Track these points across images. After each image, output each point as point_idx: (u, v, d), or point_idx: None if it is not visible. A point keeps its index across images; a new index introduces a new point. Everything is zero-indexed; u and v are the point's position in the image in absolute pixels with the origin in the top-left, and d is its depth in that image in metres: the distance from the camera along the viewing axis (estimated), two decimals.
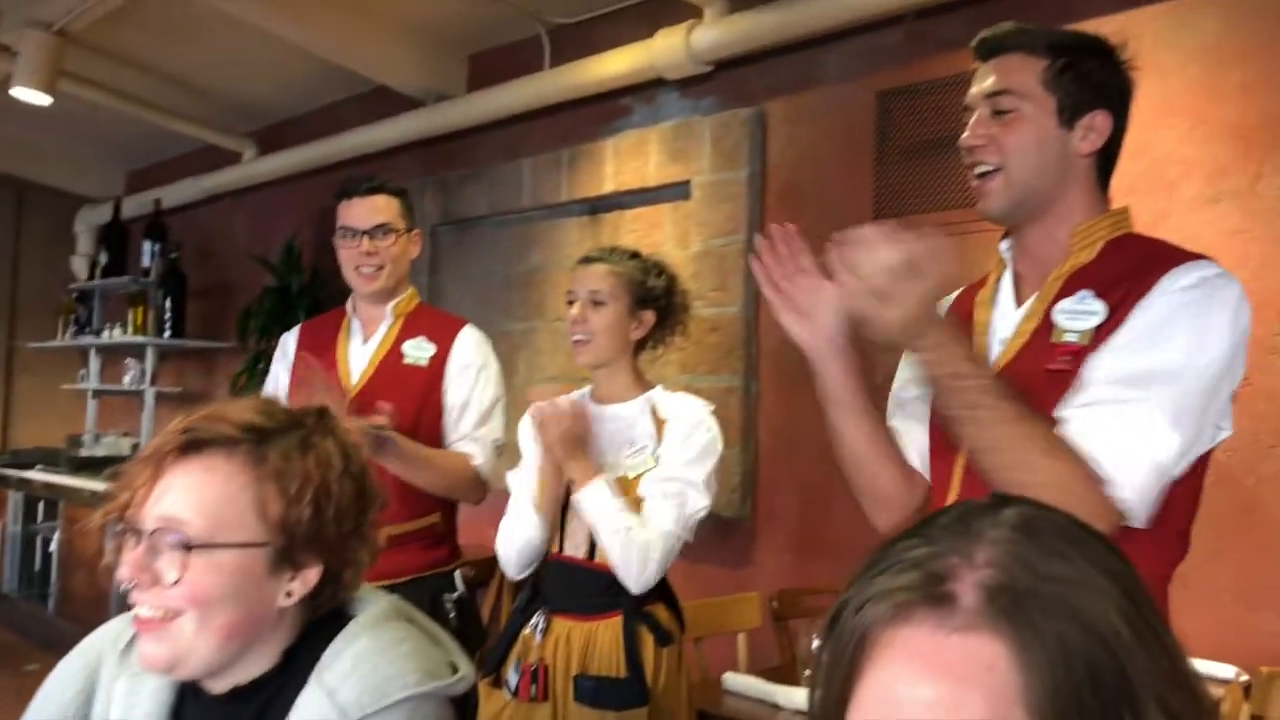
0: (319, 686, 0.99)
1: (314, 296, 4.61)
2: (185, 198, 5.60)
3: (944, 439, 1.32)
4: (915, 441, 1.43)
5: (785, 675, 2.04)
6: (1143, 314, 1.16)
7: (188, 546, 0.95)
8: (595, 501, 1.77)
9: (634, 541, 1.77)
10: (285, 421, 1.03)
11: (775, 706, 1.91)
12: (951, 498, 1.30)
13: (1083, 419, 1.13)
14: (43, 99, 4.16)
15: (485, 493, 2.21)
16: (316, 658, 1.02)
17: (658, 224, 3.57)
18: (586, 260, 1.96)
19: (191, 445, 0.98)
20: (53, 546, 5.09)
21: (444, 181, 4.33)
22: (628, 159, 3.64)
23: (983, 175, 1.29)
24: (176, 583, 0.95)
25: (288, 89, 4.87)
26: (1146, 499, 1.12)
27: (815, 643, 1.91)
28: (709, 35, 3.25)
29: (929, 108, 2.90)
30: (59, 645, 4.46)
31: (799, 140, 3.22)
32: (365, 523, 1.06)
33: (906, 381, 1.48)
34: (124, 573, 0.96)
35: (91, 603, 4.69)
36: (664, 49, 3.35)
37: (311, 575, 1.01)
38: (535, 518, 1.88)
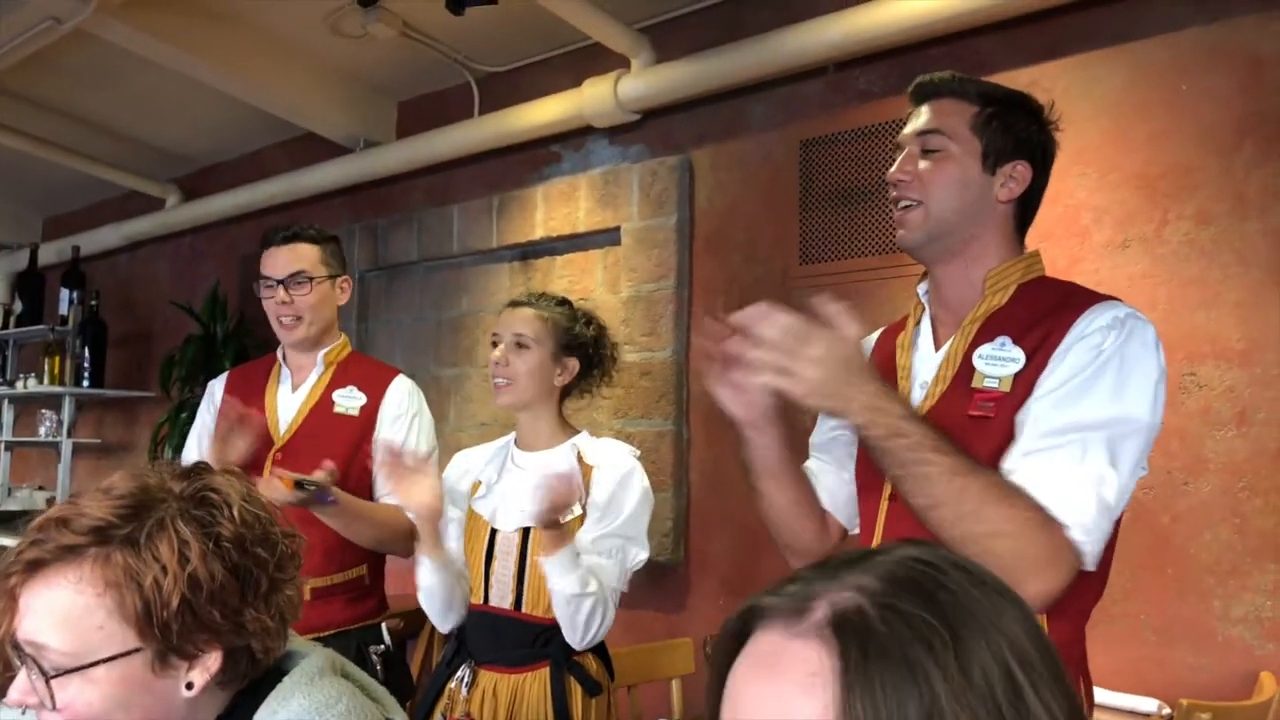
0: None
1: (239, 344, 4.53)
2: (105, 244, 5.47)
3: (869, 480, 1.34)
4: (829, 485, 1.46)
5: None
6: (1067, 359, 1.18)
7: (48, 674, 0.90)
8: (566, 568, 1.73)
9: (597, 606, 1.76)
10: (149, 503, 0.95)
11: None
12: (877, 537, 1.32)
13: (1027, 467, 1.14)
14: None
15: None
16: (249, 714, 0.99)
17: (588, 269, 3.59)
18: (514, 304, 1.96)
19: (32, 566, 0.92)
20: None
21: (373, 227, 4.31)
22: (558, 205, 3.66)
23: (905, 208, 1.33)
24: (58, 710, 0.90)
25: (212, 134, 4.81)
26: (1098, 539, 1.13)
27: None
28: (636, 85, 3.30)
29: (850, 155, 2.98)
30: None
31: (726, 187, 3.27)
32: (257, 593, 0.98)
33: (822, 422, 1.50)
34: (12, 698, 0.91)
35: None
36: (592, 98, 3.39)
37: (211, 661, 0.96)
38: (425, 562, 1.83)
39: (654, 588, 3.18)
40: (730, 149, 3.28)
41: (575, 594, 1.74)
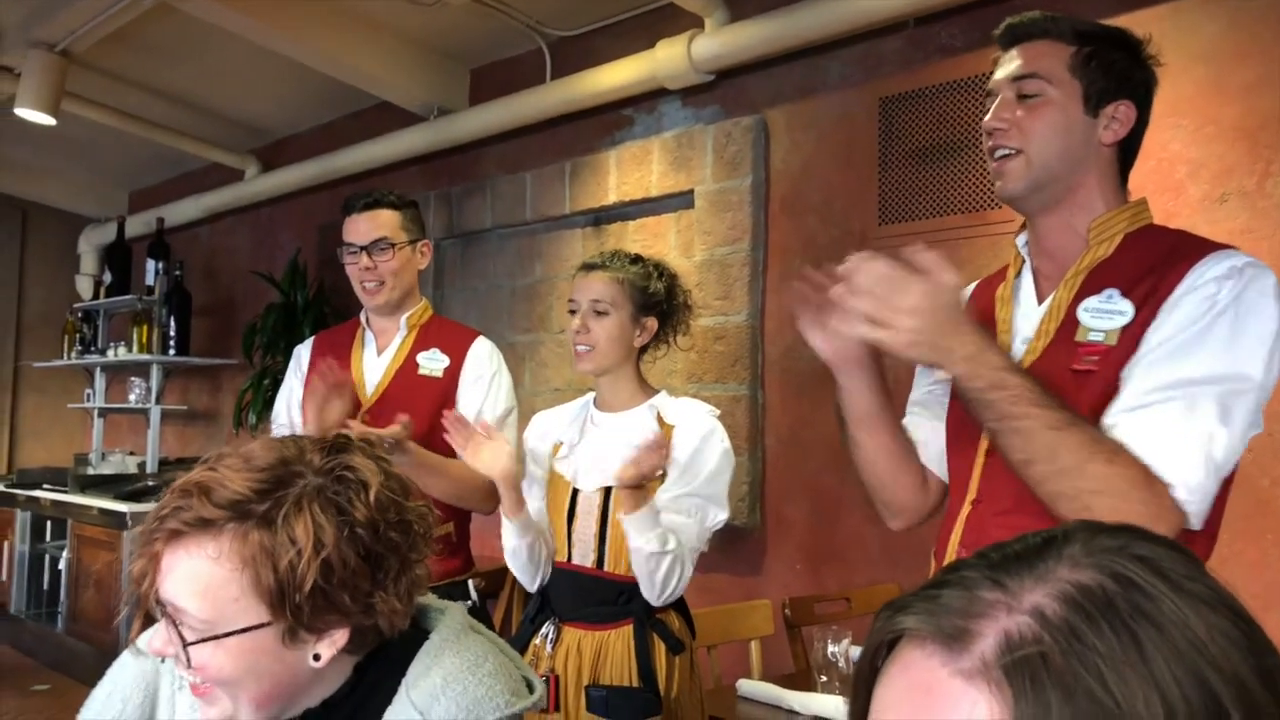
0: (409, 705, 0.98)
1: (319, 312, 4.62)
2: (188, 216, 5.62)
3: (963, 435, 1.31)
4: (929, 441, 1.42)
5: (799, 682, 2.03)
6: (1177, 311, 1.14)
7: (194, 639, 0.93)
8: (646, 525, 1.74)
9: (675, 563, 1.76)
10: (286, 479, 0.96)
11: (791, 712, 1.89)
12: (971, 494, 1.29)
13: (1131, 423, 1.11)
14: (47, 119, 4.17)
15: (498, 503, 2.20)
16: (394, 670, 1.01)
17: (661, 234, 3.57)
18: (587, 267, 1.95)
19: (175, 534, 0.94)
20: (61, 565, 5.08)
21: (447, 195, 4.34)
22: (630, 169, 3.65)
23: (1003, 158, 1.28)
24: (197, 669, 0.94)
25: (289, 106, 4.89)
26: (1205, 499, 1.09)
27: (830, 648, 1.89)
28: (710, 45, 3.25)
29: (931, 112, 2.91)
30: (68, 665, 4.45)
31: (802, 147, 3.22)
32: (387, 576, 0.99)
33: (921, 377, 1.47)
34: (154, 644, 0.95)
35: (101, 621, 4.67)
36: (665, 59, 3.36)
37: (338, 637, 0.97)
38: (507, 524, 1.85)
39: (730, 552, 3.18)
40: (806, 108, 3.22)
41: (654, 552, 1.75)
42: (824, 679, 1.97)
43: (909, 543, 2.69)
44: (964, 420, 1.29)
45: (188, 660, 0.93)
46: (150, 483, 4.84)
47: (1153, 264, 1.19)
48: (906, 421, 1.46)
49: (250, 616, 0.93)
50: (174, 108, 4.91)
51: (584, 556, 1.85)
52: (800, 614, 2.46)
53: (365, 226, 2.24)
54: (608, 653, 1.79)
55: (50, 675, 4.80)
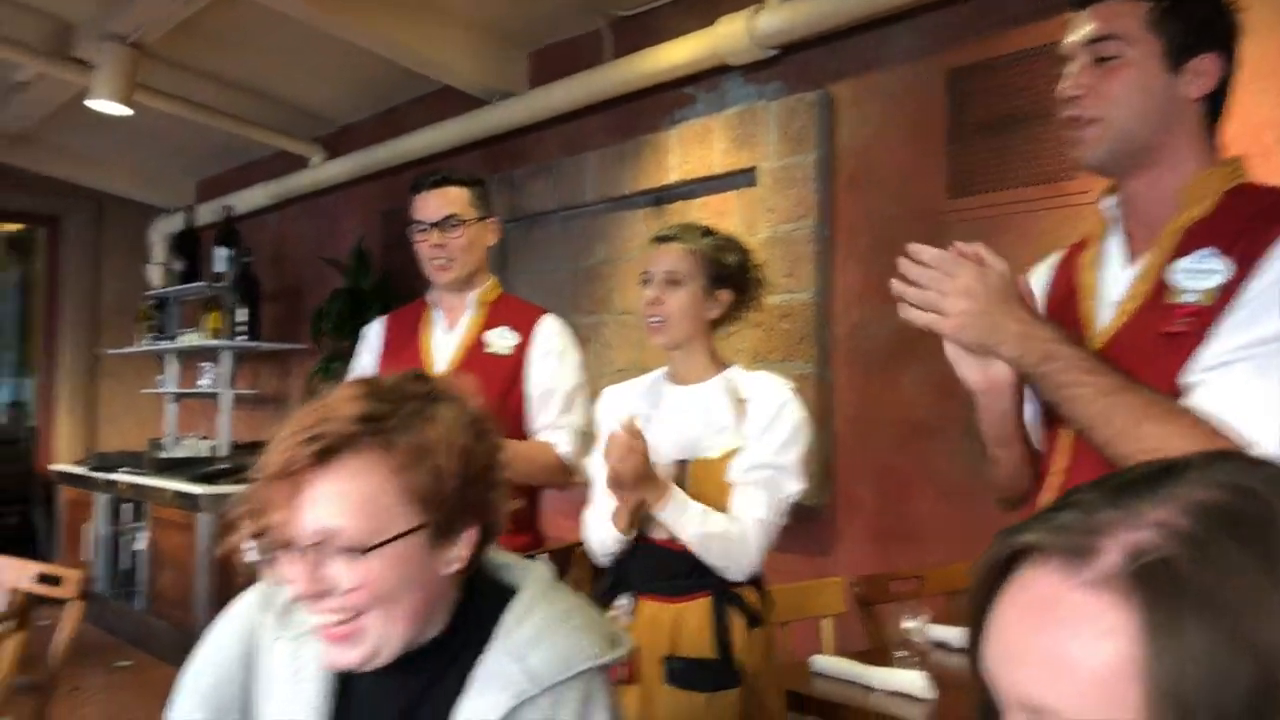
0: (505, 652, 1.02)
1: (384, 296, 4.67)
2: (255, 204, 5.72)
3: (1051, 415, 1.28)
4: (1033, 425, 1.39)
5: (873, 660, 2.01)
6: (1269, 269, 1.10)
7: (356, 551, 0.95)
8: (676, 516, 1.74)
9: (730, 539, 1.75)
10: (395, 399, 1.01)
11: (867, 688, 1.88)
12: (1058, 463, 1.27)
13: (1212, 382, 1.09)
14: (122, 110, 4.28)
15: (570, 479, 2.21)
16: (488, 621, 1.04)
17: (724, 212, 3.55)
18: (661, 239, 1.94)
19: (321, 455, 0.96)
20: (140, 546, 5.22)
21: (509, 178, 4.36)
22: (692, 148, 3.63)
23: (1081, 125, 1.24)
24: (352, 589, 0.96)
25: (352, 93, 4.94)
26: None
27: (908, 624, 1.87)
28: (772, 20, 3.22)
29: (1002, 83, 2.84)
30: (148, 642, 4.57)
31: (868, 121, 3.18)
32: (498, 477, 1.06)
33: None
34: (295, 590, 0.96)
35: (179, 600, 4.80)
36: (727, 35, 3.33)
37: (470, 539, 1.03)
38: (615, 533, 1.84)
39: (799, 532, 3.14)
40: (872, 82, 3.18)
41: (699, 534, 1.75)
42: (901, 654, 1.95)
43: (983, 523, 2.66)
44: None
45: (344, 583, 0.95)
46: (223, 465, 4.95)
47: (1250, 221, 1.15)
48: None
49: (404, 522, 0.97)
50: (240, 96, 5.00)
51: (659, 530, 1.84)
52: (872, 592, 2.43)
53: (434, 204, 2.25)
54: (685, 625, 1.78)
55: (132, 652, 4.95)
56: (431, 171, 2.33)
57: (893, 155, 3.10)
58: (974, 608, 0.58)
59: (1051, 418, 1.29)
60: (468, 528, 1.02)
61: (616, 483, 1.73)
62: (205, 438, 5.68)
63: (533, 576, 1.11)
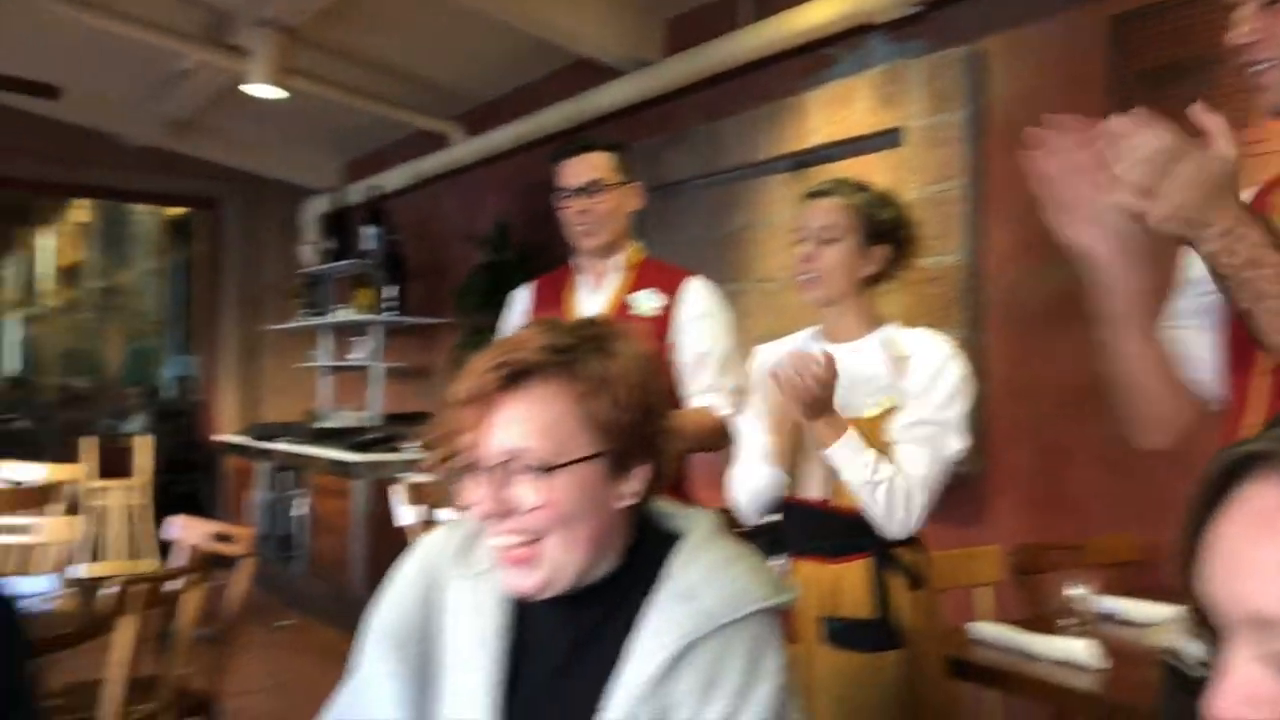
0: (675, 593, 1.04)
1: (525, 271, 4.74)
2: (401, 183, 5.89)
3: (1243, 352, 1.20)
4: (1198, 353, 1.30)
5: (1035, 629, 1.94)
6: None
7: (541, 469, 1.00)
8: (848, 457, 1.72)
9: (896, 491, 1.72)
10: (578, 334, 1.06)
11: (1030, 656, 1.82)
12: (1250, 416, 1.18)
13: None
14: (276, 93, 4.46)
15: (729, 443, 2.20)
16: (656, 563, 1.07)
17: (868, 174, 3.41)
18: (815, 194, 1.90)
19: (510, 379, 1.01)
20: (299, 512, 5.50)
21: (646, 148, 4.35)
22: (834, 110, 3.56)
23: (1260, 71, 1.17)
24: (535, 508, 1.00)
25: (490, 69, 5.03)
26: None
27: (1071, 592, 1.80)
28: None
29: (1167, 30, 2.68)
30: (307, 603, 4.81)
31: (1021, 76, 3.04)
32: (669, 416, 1.10)
33: (1192, 286, 1.34)
34: (480, 508, 1.02)
35: (336, 564, 5.03)
36: None
37: (642, 474, 1.06)
38: (770, 471, 1.84)
39: (947, 499, 3.05)
40: (1025, 34, 3.04)
41: (865, 481, 1.71)
42: (1066, 623, 1.88)
43: (1146, 493, 2.53)
44: (1243, 337, 1.17)
45: (527, 501, 1.00)
46: (375, 435, 5.15)
47: None
48: (1171, 333, 1.34)
49: (585, 447, 1.02)
50: (383, 77, 5.15)
51: (814, 490, 1.82)
52: (1031, 561, 2.36)
53: (578, 170, 2.27)
54: (843, 586, 1.76)
55: (291, 613, 5.22)
56: (573, 139, 2.34)
57: (1048, 109, 2.93)
58: (1191, 525, 0.56)
59: (1238, 359, 1.21)
60: (641, 464, 1.05)
61: (803, 399, 1.69)
62: (358, 409, 5.92)
63: (699, 522, 1.13)
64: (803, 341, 1.99)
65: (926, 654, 1.77)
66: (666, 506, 1.15)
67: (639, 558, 1.09)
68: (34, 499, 3.55)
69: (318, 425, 5.66)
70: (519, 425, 1.01)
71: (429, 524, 3.05)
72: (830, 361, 1.71)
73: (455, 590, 1.12)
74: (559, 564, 1.02)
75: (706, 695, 1.00)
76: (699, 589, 1.04)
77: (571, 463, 1.01)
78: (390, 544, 4.72)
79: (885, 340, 1.85)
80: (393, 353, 5.92)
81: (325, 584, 5.16)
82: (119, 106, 5.85)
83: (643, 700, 1.00)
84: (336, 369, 6.27)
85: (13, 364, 14.15)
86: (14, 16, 4.50)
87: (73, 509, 4.05)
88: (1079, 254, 1.20)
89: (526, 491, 1.00)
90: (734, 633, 1.02)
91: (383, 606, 1.15)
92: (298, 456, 5.40)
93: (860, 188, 1.91)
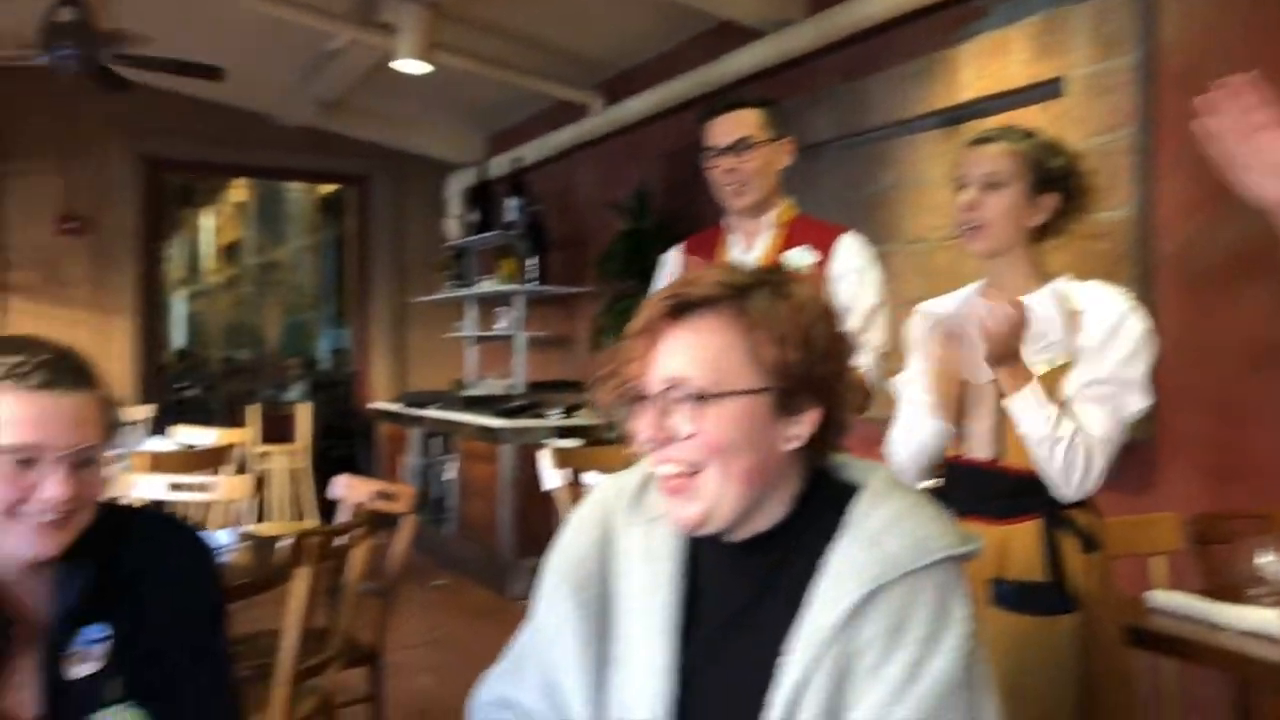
0: (858, 539, 1.03)
1: (665, 238, 4.74)
2: (541, 154, 5.96)
3: None
4: None
5: (1217, 598, 1.83)
6: None
7: (698, 398, 1.02)
8: (1031, 409, 1.65)
9: (1076, 449, 1.64)
10: (757, 277, 1.07)
11: (1214, 626, 1.72)
12: None
13: None
14: (423, 67, 4.57)
15: (868, 402, 2.15)
16: (834, 511, 1.06)
17: None
18: (979, 141, 1.82)
19: (678, 309, 1.04)
20: (450, 476, 5.68)
21: (788, 110, 4.27)
22: (987, 61, 3.41)
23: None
24: (692, 436, 1.02)
25: (630, 37, 5.02)
26: None
27: (1261, 559, 1.69)
28: None
29: None
30: (458, 564, 4.96)
31: (1197, 15, 2.85)
32: (844, 364, 1.08)
33: None
34: (642, 435, 1.04)
35: (485, 526, 5.18)
36: None
37: (811, 418, 1.05)
38: (933, 423, 1.79)
39: (1117, 466, 2.94)
40: None
41: (1044, 436, 1.64)
42: (1256, 592, 1.77)
43: None
44: None
45: (686, 428, 1.01)
46: (520, 402, 5.26)
47: None
48: None
49: (748, 382, 1.02)
50: (524, 49, 5.21)
51: (980, 449, 1.76)
52: (1211, 530, 2.23)
53: (726, 128, 2.25)
54: (1012, 548, 1.69)
55: (444, 573, 5.40)
56: (722, 97, 2.32)
57: (1229, 49, 2.75)
58: None
59: None
60: (810, 407, 1.05)
61: (994, 344, 1.64)
62: (502, 377, 6.06)
63: (876, 472, 1.11)
64: (966, 298, 1.92)
65: (1101, 620, 1.69)
66: (841, 457, 1.13)
67: (814, 506, 1.08)
68: (207, 461, 3.77)
69: (465, 393, 5.82)
70: (682, 354, 1.03)
71: (575, 487, 3.10)
72: (1023, 306, 1.65)
73: (630, 536, 1.13)
74: (716, 497, 1.03)
75: (893, 641, 0.99)
76: (884, 535, 1.02)
77: (729, 394, 1.01)
78: (537, 507, 4.86)
79: (1057, 294, 1.76)
80: (534, 322, 6.02)
81: (475, 546, 5.32)
82: (275, 89, 6.11)
83: (826, 645, 0.99)
84: (481, 339, 6.43)
85: (180, 338, 15.04)
86: (179, 3, 4.73)
87: (241, 471, 4.28)
88: (1263, 207, 1.14)
89: (684, 420, 1.02)
90: (920, 580, 1.01)
91: (560, 552, 1.17)
92: (447, 423, 5.57)
93: (1028, 133, 1.82)
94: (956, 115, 3.57)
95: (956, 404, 1.77)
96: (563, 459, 3.18)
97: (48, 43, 4.15)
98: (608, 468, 3.30)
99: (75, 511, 1.16)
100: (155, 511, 1.36)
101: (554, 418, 5.11)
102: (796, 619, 1.02)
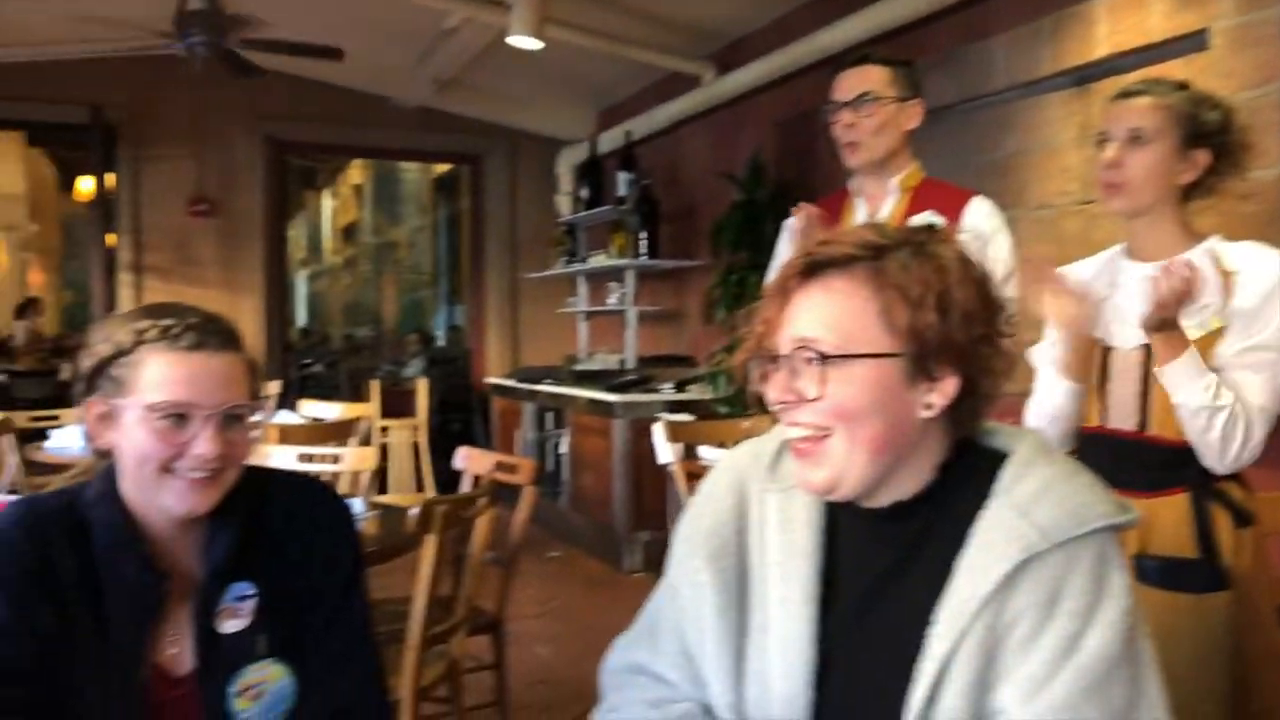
0: (1008, 507, 0.99)
1: (779, 208, 4.67)
2: (652, 127, 5.93)
3: None
4: None
5: None
6: None
7: (825, 359, 0.99)
8: (1187, 378, 1.57)
9: (1235, 419, 1.56)
10: (899, 237, 1.03)
11: None
12: None
13: None
14: (536, 44, 4.59)
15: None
16: (980, 478, 1.02)
17: None
18: (1124, 94, 1.72)
19: (812, 269, 1.02)
20: (562, 450, 5.74)
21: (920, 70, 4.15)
22: (1124, 15, 3.24)
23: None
24: (818, 399, 1.00)
25: (742, 5, 4.94)
26: None
27: None
28: None
29: None
30: (572, 536, 5.02)
31: None
32: (994, 329, 1.02)
33: None
34: (771, 395, 1.03)
35: (599, 499, 5.22)
36: None
37: (949, 386, 1.00)
38: (1065, 384, 1.72)
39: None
40: None
41: (1201, 406, 1.55)
42: None
43: None
44: None
45: (815, 390, 0.99)
46: (632, 377, 5.27)
47: None
48: None
49: (878, 345, 0.99)
50: (634, 21, 5.18)
51: (1123, 419, 1.68)
52: None
53: (850, 83, 2.19)
54: (1158, 522, 1.61)
55: (560, 544, 5.48)
56: (853, 51, 2.26)
57: None
58: None
59: None
60: (947, 374, 1.00)
61: (1161, 304, 1.56)
62: (613, 352, 6.08)
63: (1025, 438, 1.06)
64: (1107, 261, 1.83)
65: (1254, 599, 1.60)
66: (987, 424, 1.08)
67: (959, 473, 1.04)
68: (334, 433, 3.89)
69: (577, 368, 5.86)
70: (810, 314, 1.01)
71: (689, 461, 3.09)
72: (1196, 268, 1.57)
73: (767, 504, 1.11)
74: (843, 463, 1.00)
75: (1048, 613, 0.95)
76: (1036, 503, 0.98)
77: (856, 356, 0.98)
78: (650, 482, 4.88)
79: (1210, 254, 1.66)
80: (645, 296, 6.03)
81: (587, 518, 5.37)
82: (392, 70, 6.23)
83: (974, 617, 0.96)
84: (592, 314, 6.47)
85: (302, 317, 15.57)
86: None
87: (365, 444, 4.40)
88: None
89: (810, 383, 1.00)
90: (1076, 549, 0.96)
91: (694, 520, 1.15)
92: (560, 397, 5.63)
93: (1179, 85, 1.71)
94: (1088, 74, 3.41)
95: (1088, 364, 1.69)
96: (676, 433, 3.17)
97: (181, 30, 4.32)
98: (722, 442, 3.29)
99: (224, 470, 1.21)
100: (297, 473, 1.40)
101: (666, 392, 5.11)
102: (944, 588, 0.99)
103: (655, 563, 4.96)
